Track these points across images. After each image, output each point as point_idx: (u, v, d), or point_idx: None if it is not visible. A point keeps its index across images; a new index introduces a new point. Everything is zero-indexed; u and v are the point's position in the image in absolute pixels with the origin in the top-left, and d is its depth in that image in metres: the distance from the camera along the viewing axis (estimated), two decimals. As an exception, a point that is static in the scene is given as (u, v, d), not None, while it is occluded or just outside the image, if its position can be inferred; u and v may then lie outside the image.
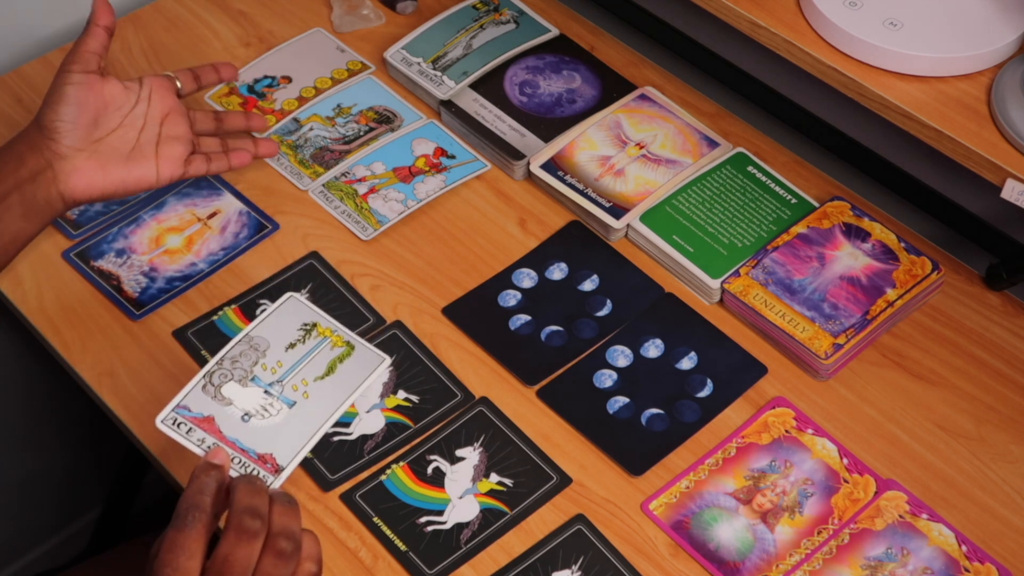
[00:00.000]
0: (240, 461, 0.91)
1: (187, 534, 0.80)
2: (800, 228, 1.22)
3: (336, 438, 1.09)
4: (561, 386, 1.14)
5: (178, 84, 1.18)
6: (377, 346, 1.14)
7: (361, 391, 0.96)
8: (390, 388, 1.13)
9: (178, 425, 0.91)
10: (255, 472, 0.91)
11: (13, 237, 1.08)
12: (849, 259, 1.19)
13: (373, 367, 0.96)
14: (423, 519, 1.05)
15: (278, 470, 0.91)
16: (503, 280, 1.21)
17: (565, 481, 1.08)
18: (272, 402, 0.93)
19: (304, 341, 0.96)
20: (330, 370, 0.96)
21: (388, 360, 0.98)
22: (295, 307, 0.98)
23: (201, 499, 0.82)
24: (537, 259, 1.23)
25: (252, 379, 0.93)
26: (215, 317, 1.17)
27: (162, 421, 0.91)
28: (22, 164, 1.07)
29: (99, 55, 1.10)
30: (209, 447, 0.90)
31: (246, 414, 0.92)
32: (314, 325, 0.97)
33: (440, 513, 1.05)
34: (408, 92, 1.37)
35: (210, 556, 0.80)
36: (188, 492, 0.83)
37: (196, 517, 0.80)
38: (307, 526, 1.04)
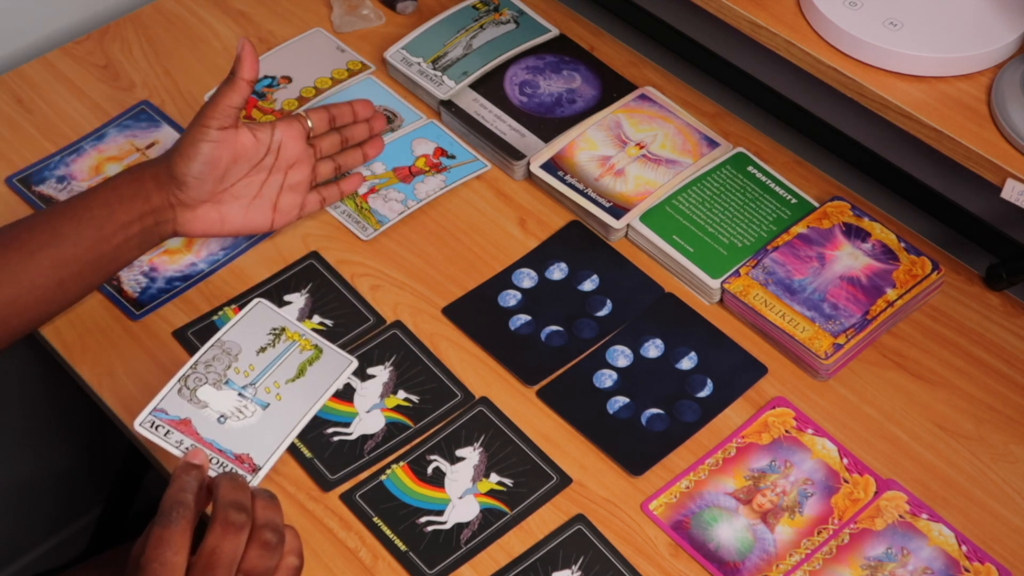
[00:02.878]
0: (218, 461, 0.93)
1: (172, 530, 0.81)
2: (800, 228, 1.22)
3: (336, 438, 1.09)
4: (561, 386, 1.14)
5: (309, 124, 1.17)
6: (377, 346, 1.14)
7: (331, 393, 0.99)
8: (390, 388, 1.13)
9: (156, 428, 0.93)
10: (232, 471, 0.92)
11: (124, 262, 1.11)
12: (849, 259, 1.19)
13: (341, 369, 1.00)
14: (423, 519, 1.05)
15: (255, 469, 0.93)
16: (503, 280, 1.21)
17: (565, 481, 1.08)
18: (246, 404, 0.95)
19: (274, 345, 0.99)
20: (300, 372, 0.99)
21: (355, 362, 1.01)
22: (263, 312, 1.01)
23: (184, 496, 0.83)
24: (537, 259, 1.23)
25: (226, 382, 0.96)
26: (215, 317, 1.17)
27: (140, 424, 0.93)
28: (148, 200, 1.08)
29: (239, 109, 1.09)
30: (187, 448, 0.92)
31: (222, 416, 0.94)
32: (282, 330, 1.00)
33: (440, 513, 1.05)
34: (408, 92, 1.37)
35: (195, 552, 0.82)
36: (171, 491, 0.84)
37: (180, 513, 0.82)
38: (307, 526, 1.04)
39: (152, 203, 1.09)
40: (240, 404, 0.95)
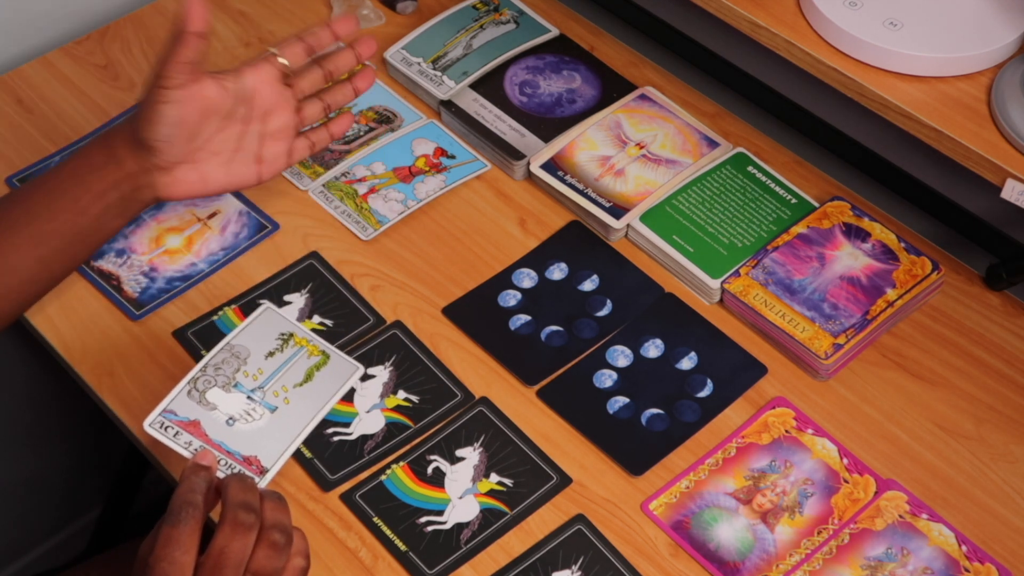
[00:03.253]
0: (226, 463, 0.93)
1: (181, 529, 0.81)
2: (800, 228, 1.22)
3: (336, 438, 1.09)
4: (561, 386, 1.14)
5: (283, 63, 1.09)
6: (377, 346, 1.14)
7: (337, 398, 1.00)
8: (390, 388, 1.13)
9: (165, 428, 0.93)
10: (240, 473, 0.93)
11: (111, 231, 1.07)
12: (849, 259, 1.19)
13: (348, 375, 1.00)
14: (423, 519, 1.05)
15: (263, 471, 0.94)
16: (503, 280, 1.21)
17: (565, 481, 1.08)
18: (255, 407, 0.96)
19: (282, 350, 1.00)
20: (308, 377, 0.99)
21: (362, 369, 1.02)
22: (271, 318, 1.01)
23: (193, 496, 0.83)
24: (537, 259, 1.23)
25: (235, 385, 0.96)
26: (215, 317, 1.17)
27: (150, 425, 0.93)
28: (121, 166, 1.04)
29: (194, 64, 1.01)
30: (196, 450, 0.93)
31: (230, 418, 0.95)
32: (291, 335, 1.00)
33: (440, 513, 1.05)
34: (408, 92, 1.37)
35: (202, 552, 0.82)
36: (180, 491, 0.84)
37: (190, 513, 0.82)
38: (307, 526, 1.04)
39: (126, 168, 1.04)
40: (248, 407, 0.96)
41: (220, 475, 0.91)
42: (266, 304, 1.01)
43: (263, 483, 0.94)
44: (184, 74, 1.01)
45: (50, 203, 1.03)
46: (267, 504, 0.85)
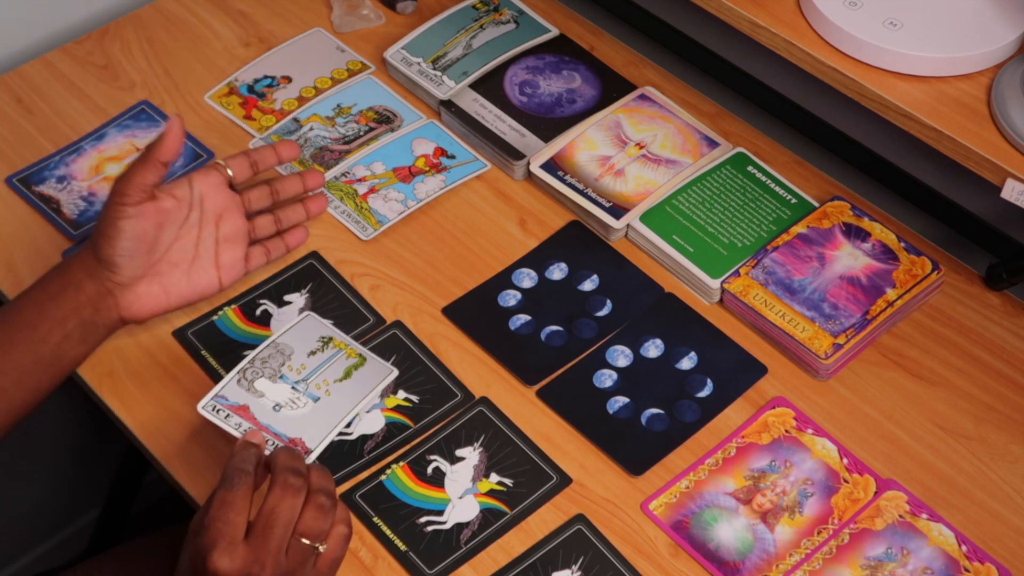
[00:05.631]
0: (273, 443, 0.98)
1: (235, 493, 0.87)
2: (800, 228, 1.22)
3: (337, 438, 1.09)
4: (561, 386, 1.14)
5: (229, 173, 1.12)
6: (377, 346, 1.14)
7: (375, 395, 1.05)
8: (390, 388, 1.13)
9: (217, 411, 1.00)
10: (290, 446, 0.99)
11: (74, 360, 1.06)
12: (849, 259, 1.20)
13: (383, 376, 1.05)
14: (423, 519, 1.05)
15: (307, 452, 0.99)
16: (503, 280, 1.21)
17: (565, 481, 1.08)
18: (299, 396, 1.02)
19: (323, 350, 1.05)
20: (347, 375, 1.04)
21: (395, 372, 1.06)
22: (312, 324, 1.07)
23: (245, 465, 0.90)
24: (537, 259, 1.23)
25: (280, 377, 1.02)
26: (215, 317, 1.17)
27: (203, 407, 1.00)
28: (81, 291, 1.04)
29: (154, 186, 1.04)
30: (246, 430, 0.98)
31: (277, 405, 1.01)
32: (330, 339, 1.06)
33: (440, 513, 1.05)
34: (408, 92, 1.37)
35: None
36: (233, 461, 0.91)
37: (243, 479, 0.89)
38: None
39: (86, 292, 1.04)
40: (293, 396, 1.02)
41: (268, 453, 0.96)
42: (308, 313, 1.08)
43: (307, 461, 0.98)
44: (142, 193, 1.04)
45: (9, 333, 1.03)
46: (314, 472, 0.91)
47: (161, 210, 1.05)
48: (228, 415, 0.99)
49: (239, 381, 1.02)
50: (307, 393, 1.02)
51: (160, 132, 1.03)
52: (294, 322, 1.06)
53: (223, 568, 0.85)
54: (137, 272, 1.06)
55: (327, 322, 1.08)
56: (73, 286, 1.04)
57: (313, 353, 1.05)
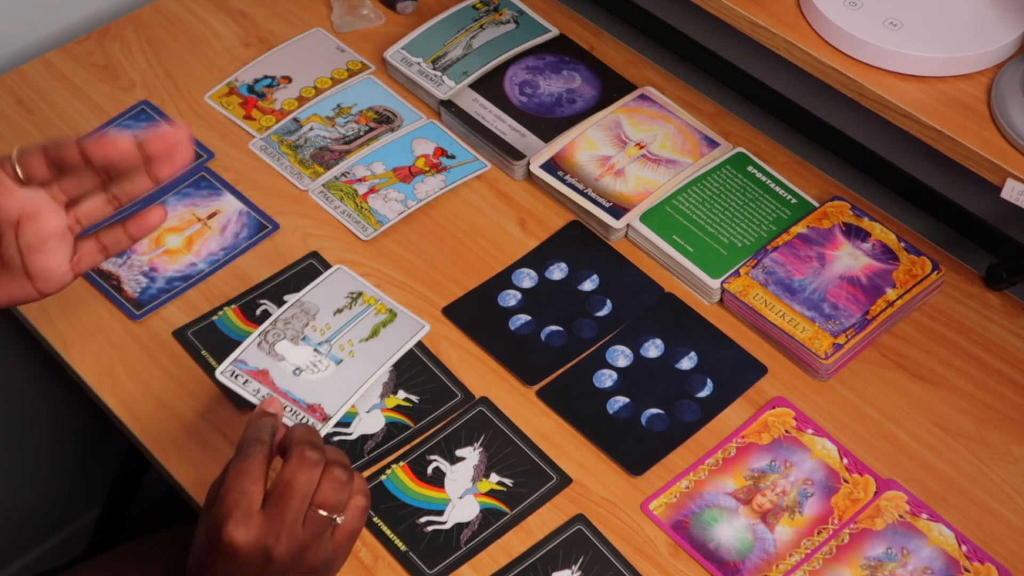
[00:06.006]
0: (291, 410, 0.97)
1: (250, 463, 0.86)
2: (800, 228, 1.22)
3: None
4: (561, 386, 1.14)
5: (17, 171, 0.91)
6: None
7: (402, 353, 1.03)
8: (390, 388, 1.13)
9: (235, 376, 0.98)
10: (304, 420, 0.98)
11: None
12: (849, 259, 1.19)
13: (414, 332, 1.03)
14: (423, 519, 1.05)
15: (326, 418, 0.98)
16: (503, 280, 1.21)
17: (565, 481, 1.08)
18: (321, 359, 1.00)
19: (350, 307, 1.04)
20: (374, 333, 1.03)
21: (427, 327, 1.04)
22: (342, 278, 1.05)
23: (261, 435, 0.89)
24: (537, 259, 1.23)
25: (303, 339, 1.01)
26: (215, 317, 1.17)
27: (221, 373, 0.99)
28: None
29: None
30: (264, 396, 0.97)
31: (297, 368, 0.99)
32: (360, 294, 1.04)
33: (440, 513, 1.05)
34: (408, 92, 1.37)
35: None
36: (248, 431, 0.89)
37: (258, 448, 0.87)
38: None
39: None
40: (315, 359, 1.00)
41: (287, 422, 0.96)
42: (339, 266, 1.05)
43: (325, 429, 0.98)
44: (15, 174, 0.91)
45: None
46: (329, 448, 0.90)
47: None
48: (247, 380, 0.98)
49: (259, 344, 1.00)
50: (329, 355, 1.01)
51: (149, 210, 0.93)
52: (324, 276, 1.05)
53: (239, 539, 0.83)
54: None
55: (358, 276, 1.06)
56: None
57: (339, 311, 1.03)
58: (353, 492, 0.88)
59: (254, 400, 0.97)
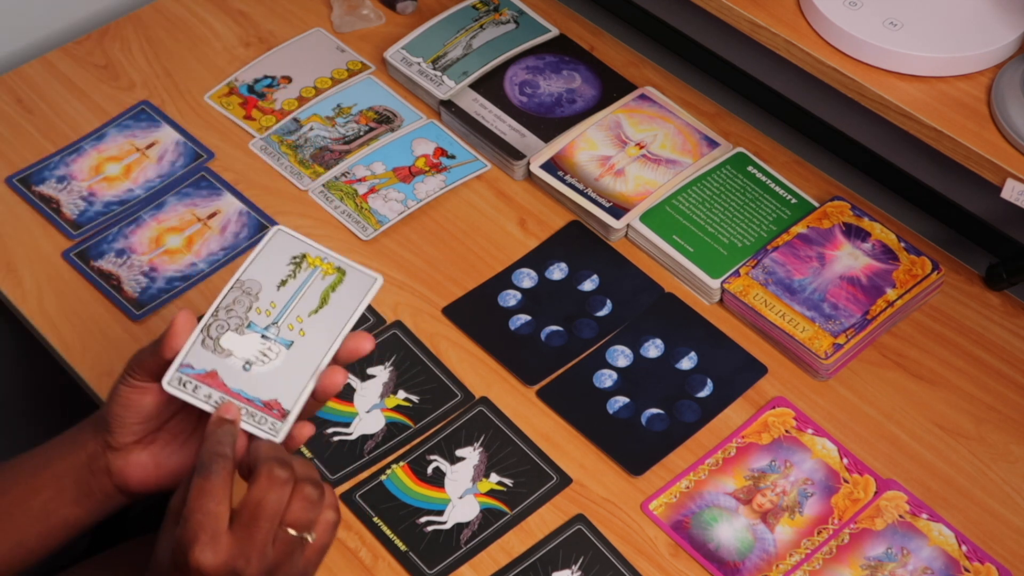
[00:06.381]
0: (248, 412, 0.90)
1: (214, 481, 0.81)
2: (800, 228, 1.22)
3: (336, 438, 1.09)
4: (561, 386, 1.14)
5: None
6: (377, 346, 1.14)
7: (356, 317, 0.93)
8: (390, 388, 1.13)
9: (184, 384, 0.90)
10: (262, 421, 0.90)
11: (64, 521, 0.96)
12: (849, 259, 1.19)
13: (366, 289, 0.94)
14: (423, 519, 1.05)
15: (284, 414, 0.90)
16: (503, 280, 1.21)
17: (565, 481, 1.08)
18: (270, 346, 0.91)
19: (295, 275, 0.94)
20: (323, 302, 0.93)
21: (380, 279, 0.94)
22: (283, 242, 0.94)
23: (221, 448, 0.84)
24: (537, 259, 1.23)
25: (248, 325, 0.91)
26: (215, 317, 1.17)
27: (168, 383, 0.90)
28: (83, 448, 0.96)
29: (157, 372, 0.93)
30: (217, 402, 0.90)
31: (247, 363, 0.91)
32: (303, 256, 0.94)
33: (440, 513, 1.05)
34: (408, 92, 1.37)
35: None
36: (208, 444, 0.84)
37: (221, 464, 0.82)
38: (307, 526, 1.04)
39: (87, 450, 0.96)
40: (264, 347, 0.91)
41: (244, 426, 0.89)
42: (278, 227, 0.94)
43: (285, 426, 0.90)
44: (148, 375, 0.94)
45: (11, 476, 0.97)
46: (298, 461, 0.86)
47: (162, 392, 0.94)
48: (196, 387, 0.89)
49: (203, 342, 0.90)
50: (279, 339, 0.91)
51: (172, 320, 0.92)
52: (261, 245, 0.94)
53: (206, 563, 0.79)
54: (128, 437, 0.95)
55: (299, 235, 0.95)
56: (80, 443, 0.96)
57: (283, 283, 0.93)
58: (323, 507, 0.85)
59: (207, 408, 0.89)
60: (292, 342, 0.91)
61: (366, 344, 0.92)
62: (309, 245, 0.95)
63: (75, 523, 0.97)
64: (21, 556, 0.97)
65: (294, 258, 0.94)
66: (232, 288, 0.92)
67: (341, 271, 0.94)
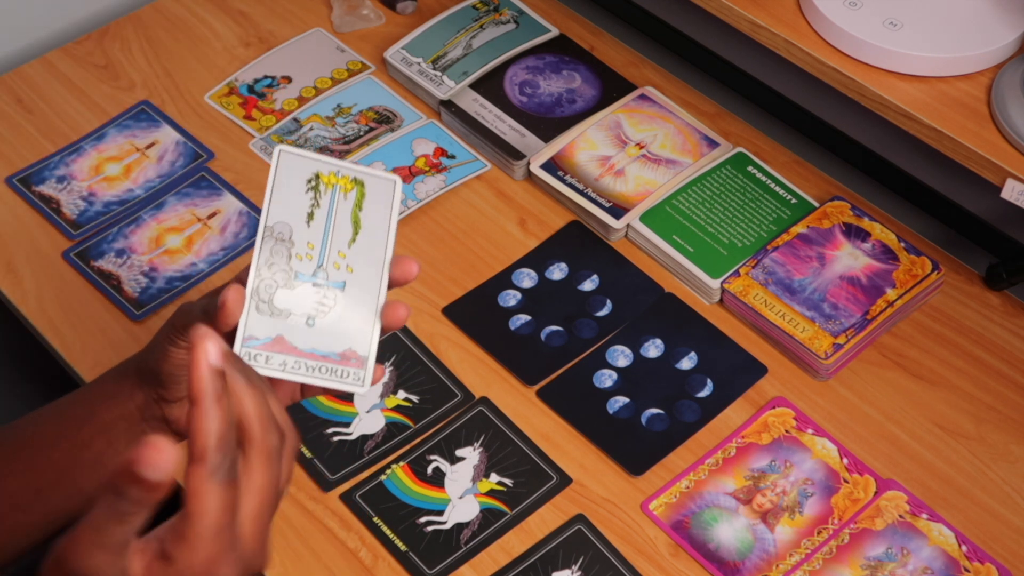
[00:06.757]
0: (328, 369, 0.84)
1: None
2: (800, 228, 1.22)
3: (336, 438, 1.09)
4: (561, 386, 1.14)
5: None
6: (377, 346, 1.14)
7: (394, 229, 0.88)
8: (390, 388, 1.13)
9: (254, 359, 0.83)
10: (344, 374, 0.84)
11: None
12: (849, 259, 1.19)
13: (389, 197, 0.88)
14: (423, 519, 1.05)
15: (363, 362, 0.85)
16: (503, 280, 1.21)
17: (565, 481, 1.08)
18: (325, 293, 0.85)
19: (318, 203, 0.87)
20: (356, 226, 0.87)
21: (399, 180, 0.89)
22: (291, 164, 0.87)
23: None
24: (537, 259, 1.23)
25: (296, 277, 0.85)
26: (215, 317, 1.17)
27: None
28: (131, 398, 0.93)
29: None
30: (293, 368, 0.83)
31: (309, 318, 0.85)
32: (317, 177, 0.88)
33: (440, 513, 1.05)
34: (408, 92, 1.37)
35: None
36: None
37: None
38: (307, 526, 1.04)
39: (135, 401, 0.93)
40: (319, 296, 0.85)
41: (326, 384, 0.83)
42: (280, 148, 0.86)
43: (368, 373, 0.85)
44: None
45: (55, 428, 0.95)
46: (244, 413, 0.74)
47: None
48: (268, 357, 0.83)
49: (258, 308, 0.84)
50: (330, 283, 0.85)
51: (222, 295, 0.84)
52: (272, 175, 0.87)
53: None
54: (183, 391, 0.91)
55: (303, 151, 0.88)
56: (126, 392, 0.94)
57: (311, 216, 0.86)
58: (286, 439, 0.76)
59: (286, 377, 0.83)
60: (344, 282, 0.86)
61: (412, 267, 0.87)
62: (318, 160, 0.88)
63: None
64: (80, 504, 0.93)
65: (309, 182, 0.87)
66: (264, 239, 0.85)
67: (359, 182, 0.88)
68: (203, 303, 0.86)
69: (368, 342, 0.84)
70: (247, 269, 0.86)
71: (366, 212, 0.88)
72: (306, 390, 0.89)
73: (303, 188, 0.87)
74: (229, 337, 0.84)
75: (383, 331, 0.86)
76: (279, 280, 0.85)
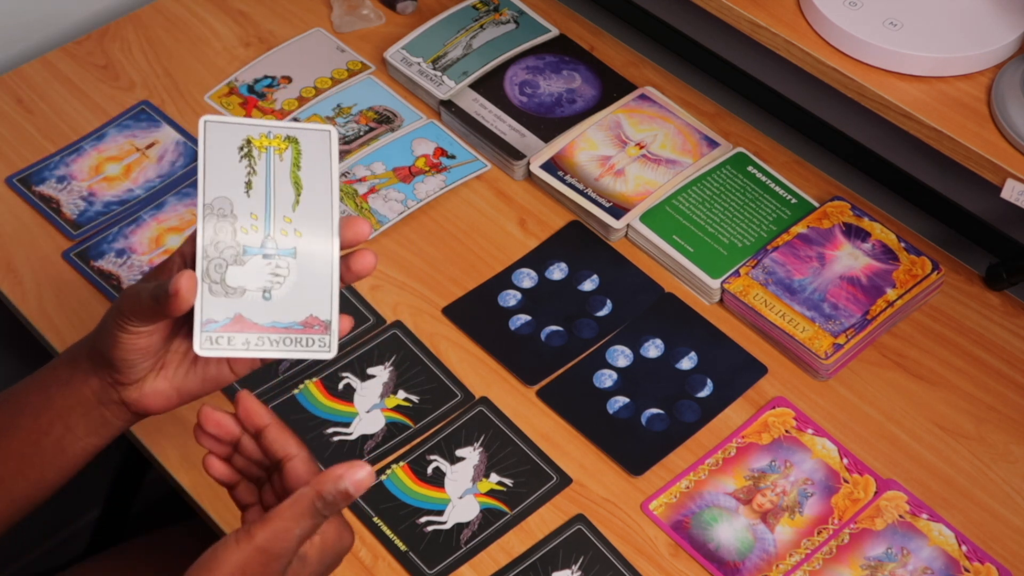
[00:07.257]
0: (292, 340, 0.83)
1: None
2: (800, 228, 1.22)
3: (336, 438, 1.09)
4: (561, 386, 1.14)
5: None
6: (377, 346, 1.14)
7: (336, 179, 0.85)
8: (390, 388, 1.13)
9: (216, 342, 0.83)
10: (309, 343, 0.84)
11: (83, 451, 0.94)
12: (849, 259, 1.20)
13: (326, 150, 0.85)
14: (423, 519, 1.05)
15: (327, 327, 0.84)
16: (503, 280, 1.21)
17: (565, 481, 1.08)
18: (276, 263, 0.84)
19: (254, 170, 0.84)
20: (297, 187, 0.85)
21: (334, 130, 0.86)
22: (218, 133, 0.84)
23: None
24: (537, 259, 1.23)
25: (244, 252, 0.83)
26: (215, 317, 1.17)
27: (200, 347, 0.83)
28: (86, 384, 0.93)
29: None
30: (257, 344, 0.83)
31: (264, 291, 0.83)
32: (248, 142, 0.84)
33: (440, 513, 1.05)
34: (408, 92, 1.37)
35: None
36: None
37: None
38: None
39: (91, 387, 0.92)
40: (271, 266, 0.83)
41: (295, 355, 0.84)
42: (204, 119, 0.83)
43: (333, 338, 0.84)
44: (146, 321, 0.88)
45: (11, 417, 0.94)
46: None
47: (167, 324, 0.89)
48: (230, 338, 0.82)
49: (211, 289, 0.82)
50: (280, 252, 0.83)
51: (173, 282, 0.82)
52: (201, 148, 0.83)
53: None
54: (139, 374, 0.91)
55: (228, 117, 0.85)
56: (79, 377, 0.93)
57: (249, 185, 0.83)
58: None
59: (250, 355, 0.83)
60: (294, 248, 0.84)
61: (364, 227, 0.86)
62: (246, 124, 0.85)
63: (94, 450, 0.95)
64: (44, 491, 0.95)
65: (241, 149, 0.84)
66: (206, 217, 0.83)
67: (292, 140, 0.85)
68: (151, 288, 0.85)
69: (328, 305, 0.83)
70: (189, 240, 0.84)
71: (305, 170, 0.85)
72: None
73: (236, 157, 0.84)
74: (186, 320, 0.85)
75: (352, 282, 0.85)
76: (228, 258, 0.83)
